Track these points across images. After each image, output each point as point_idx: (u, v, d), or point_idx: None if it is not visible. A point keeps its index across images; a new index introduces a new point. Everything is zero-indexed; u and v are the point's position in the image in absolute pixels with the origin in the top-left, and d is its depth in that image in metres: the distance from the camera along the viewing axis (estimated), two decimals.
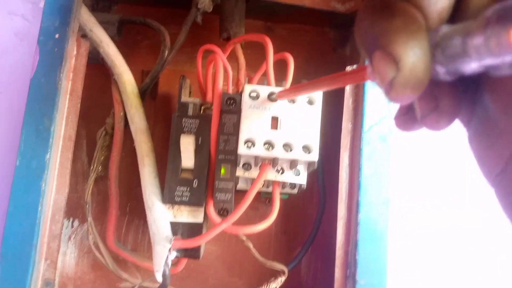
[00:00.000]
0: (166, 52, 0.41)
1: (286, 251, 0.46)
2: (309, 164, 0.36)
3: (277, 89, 0.35)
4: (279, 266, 0.43)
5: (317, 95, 0.36)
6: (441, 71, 0.14)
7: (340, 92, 0.41)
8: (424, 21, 0.15)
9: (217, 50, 0.38)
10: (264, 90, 0.36)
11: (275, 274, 0.43)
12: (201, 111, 0.39)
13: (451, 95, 0.16)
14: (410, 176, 0.48)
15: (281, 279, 0.43)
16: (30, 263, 0.34)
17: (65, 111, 0.37)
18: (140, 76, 0.44)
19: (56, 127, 0.36)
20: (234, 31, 0.42)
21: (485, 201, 0.47)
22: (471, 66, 0.13)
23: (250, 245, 0.42)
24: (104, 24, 0.40)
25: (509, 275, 0.48)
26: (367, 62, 0.16)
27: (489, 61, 0.12)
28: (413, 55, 0.14)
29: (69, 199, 0.42)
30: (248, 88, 0.35)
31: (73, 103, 0.38)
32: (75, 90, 0.38)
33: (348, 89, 0.40)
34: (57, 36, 0.35)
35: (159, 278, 0.36)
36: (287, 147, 0.35)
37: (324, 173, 0.43)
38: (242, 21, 0.43)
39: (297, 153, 0.35)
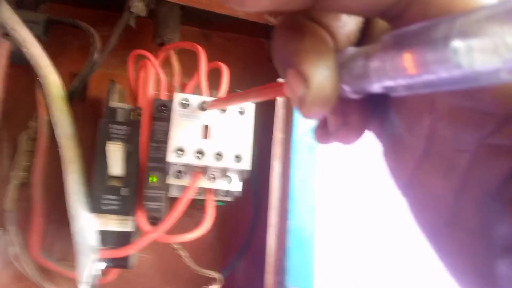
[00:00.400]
0: (96, 54, 0.39)
1: (221, 258, 0.46)
2: (241, 172, 0.37)
3: (208, 99, 0.35)
4: (212, 274, 0.43)
5: (249, 106, 0.36)
6: (348, 90, 0.15)
7: (274, 103, 0.42)
8: (333, 43, 0.15)
9: (149, 55, 0.38)
10: (195, 99, 0.35)
11: (209, 281, 0.43)
12: (131, 117, 0.38)
13: (360, 112, 0.17)
14: (337, 183, 0.50)
15: (215, 286, 0.43)
16: None
17: None
18: (68, 78, 0.42)
19: None
20: (168, 37, 0.41)
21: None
22: (373, 87, 0.14)
23: (183, 253, 0.42)
24: (29, 23, 0.38)
25: (435, 278, 0.51)
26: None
27: (386, 82, 0.13)
28: (320, 75, 0.14)
29: None
30: (178, 97, 0.35)
31: None
32: None
33: (279, 100, 0.41)
34: None
35: None
36: (218, 156, 0.35)
37: (258, 181, 0.44)
38: (177, 27, 0.42)
39: (228, 162, 0.35)
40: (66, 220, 0.42)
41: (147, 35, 0.43)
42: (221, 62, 0.38)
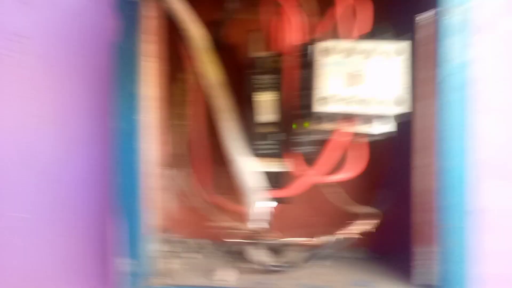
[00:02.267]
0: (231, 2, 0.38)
1: (368, 195, 0.45)
2: (390, 115, 0.35)
3: (350, 44, 0.33)
4: (358, 209, 0.43)
5: (399, 47, 0.32)
6: None
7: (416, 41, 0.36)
8: None
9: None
10: (338, 45, 0.33)
11: (354, 217, 0.43)
12: (274, 65, 0.37)
13: None
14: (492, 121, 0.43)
15: (365, 222, 0.43)
16: (136, 213, 0.37)
17: (150, 73, 0.37)
18: (207, 28, 0.42)
19: (144, 89, 0.36)
20: None
21: None
22: None
23: (334, 190, 0.42)
24: None
25: None
26: None
27: None
28: None
29: (166, 152, 0.45)
30: (321, 45, 0.33)
31: (156, 65, 0.38)
32: (158, 51, 0.38)
33: (424, 37, 0.35)
34: None
35: (253, 226, 0.39)
36: (365, 101, 0.33)
37: (407, 121, 0.40)
38: None
39: (376, 107, 0.33)
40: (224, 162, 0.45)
41: None
42: None
